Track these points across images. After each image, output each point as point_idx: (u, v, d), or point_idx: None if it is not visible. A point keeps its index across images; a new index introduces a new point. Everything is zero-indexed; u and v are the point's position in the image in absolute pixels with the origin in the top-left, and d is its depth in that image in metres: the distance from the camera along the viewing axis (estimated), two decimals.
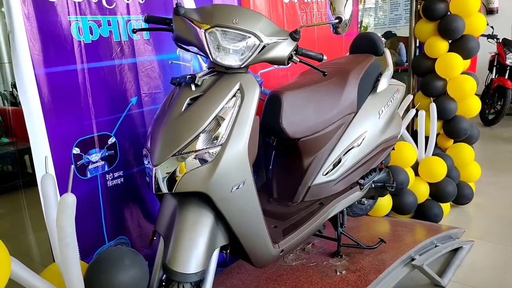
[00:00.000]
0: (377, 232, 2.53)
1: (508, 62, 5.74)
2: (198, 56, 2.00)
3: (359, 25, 4.25)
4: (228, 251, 1.49)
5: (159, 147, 1.33)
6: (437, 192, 2.89)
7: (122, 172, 1.78)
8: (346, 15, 1.61)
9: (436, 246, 2.37)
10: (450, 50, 2.99)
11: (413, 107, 3.03)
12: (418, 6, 3.19)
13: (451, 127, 3.10)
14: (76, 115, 1.60)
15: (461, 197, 3.08)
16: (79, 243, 1.20)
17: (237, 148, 1.36)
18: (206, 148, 1.32)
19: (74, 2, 1.57)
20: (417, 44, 3.41)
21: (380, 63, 2.26)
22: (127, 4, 1.74)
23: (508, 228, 2.82)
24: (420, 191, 2.84)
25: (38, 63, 1.47)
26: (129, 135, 1.79)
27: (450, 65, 2.95)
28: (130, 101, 1.78)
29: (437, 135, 3.09)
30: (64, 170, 1.55)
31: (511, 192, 3.42)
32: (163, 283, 1.39)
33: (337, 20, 1.61)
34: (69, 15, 1.55)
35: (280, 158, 2.04)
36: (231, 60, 1.39)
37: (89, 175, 1.67)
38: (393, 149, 2.33)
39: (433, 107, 2.94)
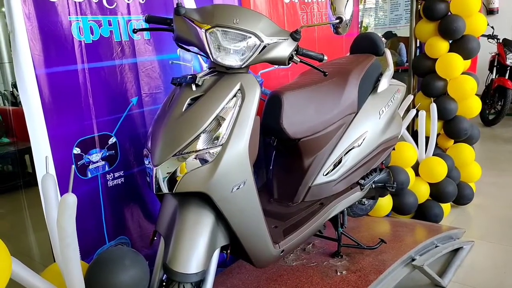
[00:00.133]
0: (377, 232, 2.53)
1: (508, 62, 5.73)
2: (199, 56, 2.00)
3: (359, 25, 4.25)
4: (229, 251, 1.49)
5: (160, 147, 1.33)
6: (438, 192, 2.89)
7: (122, 172, 1.78)
8: (346, 15, 1.61)
9: (436, 247, 2.37)
10: (450, 50, 2.99)
11: (414, 107, 3.03)
12: (419, 6, 3.19)
13: (452, 127, 3.10)
14: (76, 115, 1.61)
15: (462, 197, 3.08)
16: (80, 243, 1.20)
17: (238, 148, 1.36)
18: (207, 148, 1.32)
19: (75, 2, 1.57)
20: (418, 44, 3.42)
21: (380, 63, 2.26)
22: (128, 4, 1.74)
23: (508, 228, 2.82)
24: (421, 191, 2.84)
25: (38, 63, 1.47)
26: (130, 135, 1.79)
27: (451, 65, 2.95)
28: (131, 101, 1.78)
29: (438, 135, 3.09)
30: (65, 170, 1.55)
31: None
32: (164, 283, 1.39)
33: (337, 20, 1.61)
34: (69, 15, 1.55)
35: (281, 158, 2.04)
36: (232, 60, 1.39)
37: (89, 175, 1.67)
38: (394, 149, 2.33)
39: (434, 107, 2.94)
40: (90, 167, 1.67)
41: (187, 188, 1.32)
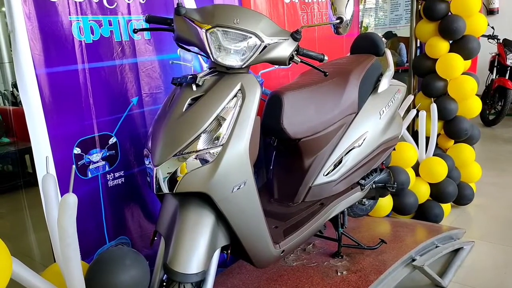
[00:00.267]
0: (377, 232, 2.53)
1: (508, 62, 5.73)
2: (199, 56, 2.00)
3: (359, 26, 4.25)
4: (229, 251, 1.49)
5: (160, 147, 1.33)
6: (438, 192, 2.89)
7: (123, 172, 1.78)
8: (347, 15, 1.61)
9: (436, 247, 2.36)
10: (450, 51, 2.99)
11: (414, 107, 3.03)
12: (419, 6, 3.19)
13: (452, 128, 3.10)
14: (77, 115, 1.60)
15: (462, 197, 3.08)
16: (80, 243, 1.20)
17: (238, 148, 1.36)
18: (207, 148, 1.32)
19: (75, 2, 1.57)
20: (418, 45, 3.42)
21: (381, 63, 2.26)
22: (128, 4, 1.74)
23: (508, 229, 2.82)
24: (421, 191, 2.84)
25: (39, 63, 1.47)
26: (130, 135, 1.79)
27: (451, 65, 2.95)
28: (131, 101, 1.78)
29: (438, 135, 3.09)
30: (65, 170, 1.55)
31: None
32: (164, 283, 1.39)
33: (338, 21, 1.61)
34: (70, 15, 1.55)
35: (281, 158, 2.04)
36: (232, 60, 1.39)
37: (90, 175, 1.67)
38: (394, 149, 2.33)
39: (434, 107, 2.94)
40: (91, 167, 1.67)
41: (188, 188, 1.32)
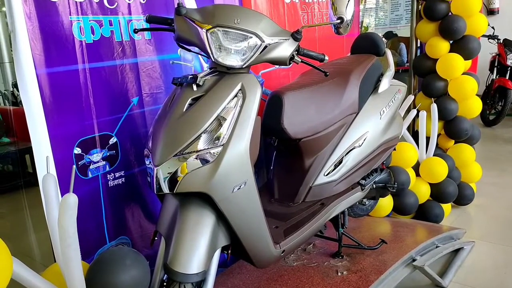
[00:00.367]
0: (378, 232, 2.53)
1: (509, 62, 5.73)
2: (200, 56, 2.00)
3: (360, 26, 4.25)
4: (229, 251, 1.49)
5: (161, 147, 1.33)
6: (438, 192, 2.89)
7: (123, 172, 1.78)
8: (348, 15, 1.61)
9: (437, 247, 2.36)
10: (451, 51, 2.99)
11: (414, 107, 3.03)
12: (419, 6, 3.19)
13: (452, 128, 3.10)
14: (77, 115, 1.60)
15: (462, 197, 3.08)
16: (80, 243, 1.20)
17: (239, 148, 1.36)
18: (208, 148, 1.32)
19: (76, 2, 1.57)
20: (418, 45, 3.41)
21: (381, 63, 2.26)
22: (129, 4, 1.74)
23: (509, 229, 2.82)
24: (421, 191, 2.84)
25: (39, 63, 1.47)
26: (131, 135, 1.79)
27: (451, 65, 2.95)
28: (132, 101, 1.78)
29: (438, 135, 3.09)
30: (66, 170, 1.55)
31: None
32: (164, 284, 1.39)
33: (339, 21, 1.61)
34: (70, 15, 1.55)
35: (281, 158, 2.04)
36: (233, 60, 1.38)
37: (90, 175, 1.67)
38: (394, 149, 2.33)
39: (434, 107, 2.94)
40: (91, 167, 1.67)
41: (188, 188, 1.32)
